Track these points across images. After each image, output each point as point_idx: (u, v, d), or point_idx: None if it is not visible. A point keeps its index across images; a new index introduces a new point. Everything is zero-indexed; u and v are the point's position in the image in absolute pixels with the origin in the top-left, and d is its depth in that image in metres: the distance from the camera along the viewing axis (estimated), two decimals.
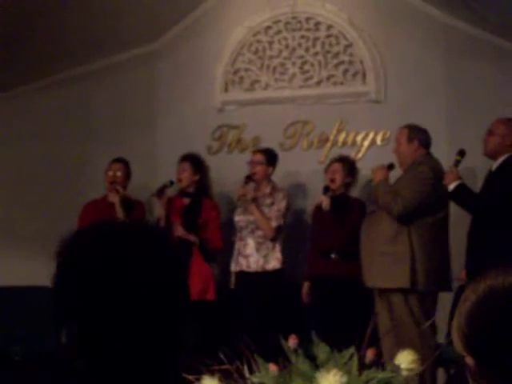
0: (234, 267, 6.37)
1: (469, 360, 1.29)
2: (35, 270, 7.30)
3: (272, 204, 6.35)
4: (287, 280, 6.37)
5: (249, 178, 6.36)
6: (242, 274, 6.33)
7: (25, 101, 7.52)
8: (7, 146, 7.51)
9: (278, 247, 6.30)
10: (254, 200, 6.29)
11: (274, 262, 6.27)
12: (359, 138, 6.94)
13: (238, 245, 6.39)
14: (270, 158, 6.43)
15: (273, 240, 6.28)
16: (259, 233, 6.31)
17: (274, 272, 6.27)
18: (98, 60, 7.37)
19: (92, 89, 7.47)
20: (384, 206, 5.56)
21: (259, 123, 7.11)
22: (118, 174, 6.51)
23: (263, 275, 6.25)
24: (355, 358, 2.78)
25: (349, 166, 6.37)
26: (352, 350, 2.78)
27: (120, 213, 6.32)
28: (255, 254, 6.27)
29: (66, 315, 1.34)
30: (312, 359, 2.91)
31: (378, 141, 6.89)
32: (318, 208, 6.34)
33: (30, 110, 7.53)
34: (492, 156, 5.57)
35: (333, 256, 6.17)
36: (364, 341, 2.86)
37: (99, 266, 1.31)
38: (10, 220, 7.42)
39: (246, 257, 6.30)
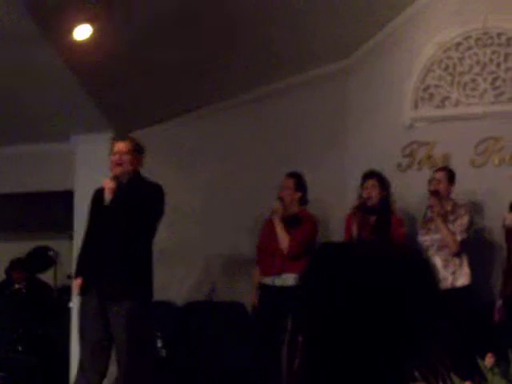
0: None
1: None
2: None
3: (455, 220, 6.30)
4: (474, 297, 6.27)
5: (436, 193, 6.31)
6: None
7: (212, 121, 7.70)
8: (198, 163, 7.72)
9: (465, 262, 6.25)
10: (441, 215, 6.25)
11: (463, 279, 6.22)
12: None
13: None
14: (451, 176, 6.40)
15: (457, 255, 6.22)
16: (445, 250, 6.26)
17: (463, 289, 6.21)
18: (289, 77, 7.49)
19: (278, 107, 7.58)
20: None
21: (450, 140, 6.99)
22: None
23: (453, 292, 6.15)
24: None
25: None
26: None
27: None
28: (443, 272, 6.20)
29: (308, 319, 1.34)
30: (508, 379, 2.85)
31: None
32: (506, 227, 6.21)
33: (218, 130, 7.72)
34: None
35: None
36: None
37: (347, 273, 1.30)
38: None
39: None
